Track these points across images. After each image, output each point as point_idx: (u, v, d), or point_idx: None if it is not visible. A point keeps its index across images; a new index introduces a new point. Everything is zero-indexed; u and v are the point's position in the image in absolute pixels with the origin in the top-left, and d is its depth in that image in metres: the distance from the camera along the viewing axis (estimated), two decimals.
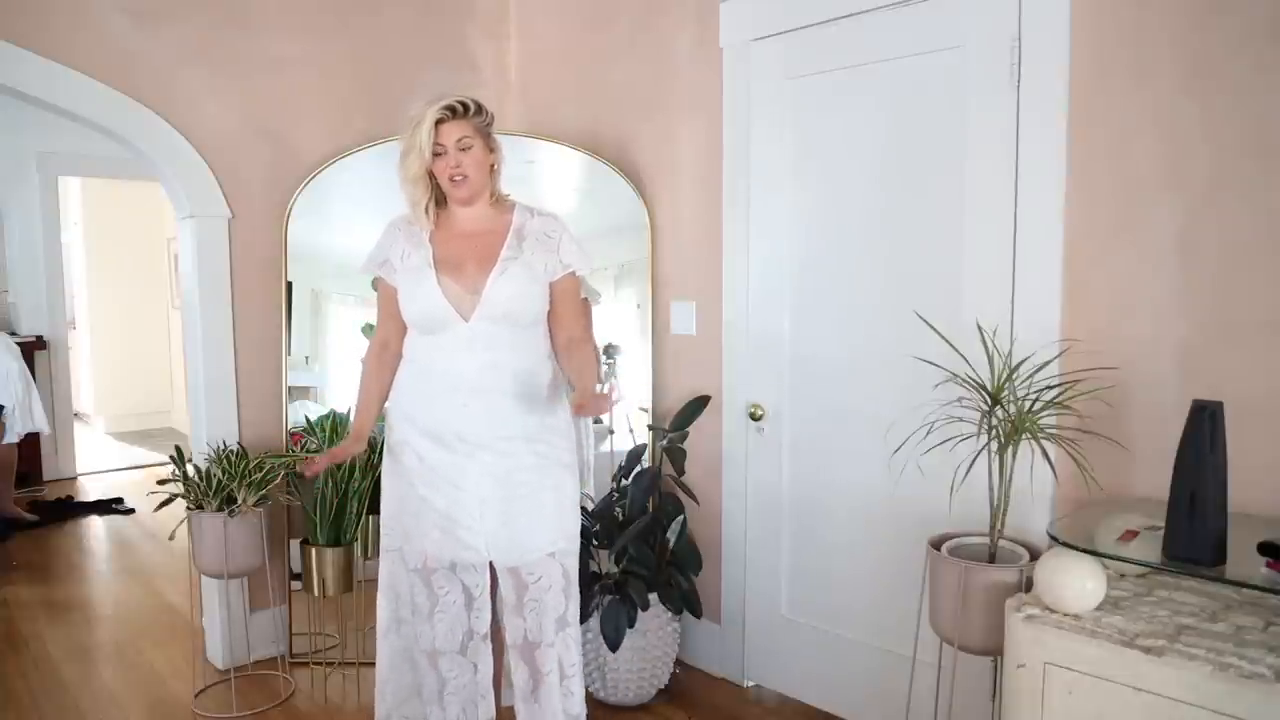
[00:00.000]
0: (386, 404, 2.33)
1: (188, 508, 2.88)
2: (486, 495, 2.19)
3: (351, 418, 2.40)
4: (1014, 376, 2.02)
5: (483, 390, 2.18)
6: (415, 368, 2.25)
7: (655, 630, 2.87)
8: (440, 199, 2.25)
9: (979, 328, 2.10)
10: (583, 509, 2.99)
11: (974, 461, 2.05)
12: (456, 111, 2.17)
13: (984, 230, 2.33)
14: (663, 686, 2.95)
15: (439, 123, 2.15)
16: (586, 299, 2.43)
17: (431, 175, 2.20)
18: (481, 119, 2.21)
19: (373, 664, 3.12)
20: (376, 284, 2.36)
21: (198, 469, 2.92)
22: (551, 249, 2.25)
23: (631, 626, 2.74)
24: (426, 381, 2.22)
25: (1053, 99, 2.17)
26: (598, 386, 2.27)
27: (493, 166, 2.24)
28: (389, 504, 2.29)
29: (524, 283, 2.20)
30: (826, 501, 2.77)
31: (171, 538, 3.09)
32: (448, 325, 2.18)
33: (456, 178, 2.17)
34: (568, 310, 2.31)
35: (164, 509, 2.95)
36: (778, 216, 2.81)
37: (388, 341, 2.32)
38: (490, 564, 2.24)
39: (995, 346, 2.04)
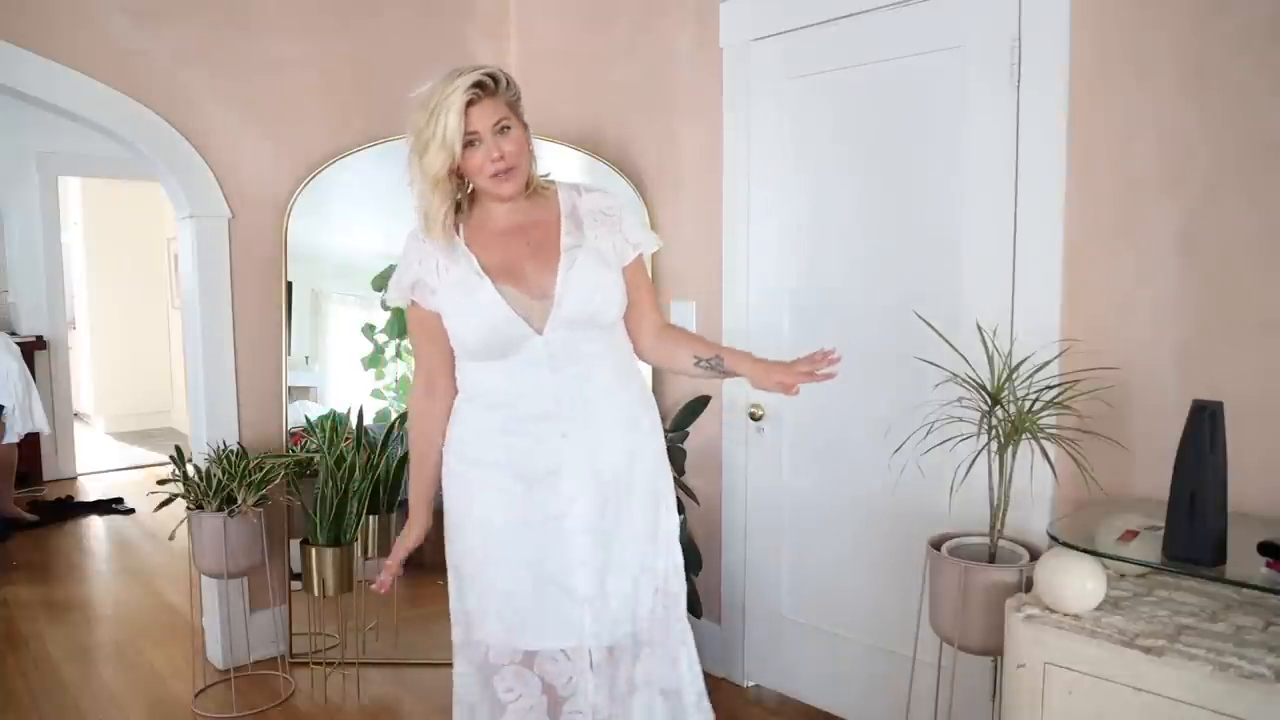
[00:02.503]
0: (444, 453, 1.89)
1: (188, 508, 2.88)
2: (585, 559, 1.78)
3: (409, 491, 1.95)
4: (1014, 376, 2.02)
5: (578, 414, 1.78)
6: (486, 403, 1.82)
7: None
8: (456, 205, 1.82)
9: (979, 328, 2.10)
10: None
11: (974, 461, 2.05)
12: (488, 87, 1.72)
13: (984, 230, 2.33)
14: None
15: (469, 105, 1.71)
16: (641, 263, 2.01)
17: (455, 174, 1.77)
18: (513, 92, 1.79)
19: (372, 664, 3.14)
20: (408, 312, 1.88)
21: (198, 469, 2.92)
22: (614, 227, 1.86)
23: None
24: (506, 417, 1.79)
25: (1053, 99, 2.17)
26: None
27: (530, 148, 1.82)
28: (455, 581, 1.87)
29: (598, 272, 1.80)
30: (826, 501, 2.77)
31: (171, 538, 3.09)
32: (519, 343, 1.75)
33: (500, 171, 1.74)
34: (645, 297, 1.92)
35: (164, 509, 2.95)
36: (778, 216, 2.81)
37: (433, 378, 1.88)
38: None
39: (995, 346, 2.04)
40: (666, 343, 1.94)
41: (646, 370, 3.03)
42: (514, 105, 1.79)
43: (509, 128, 1.75)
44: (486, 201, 1.83)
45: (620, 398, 1.85)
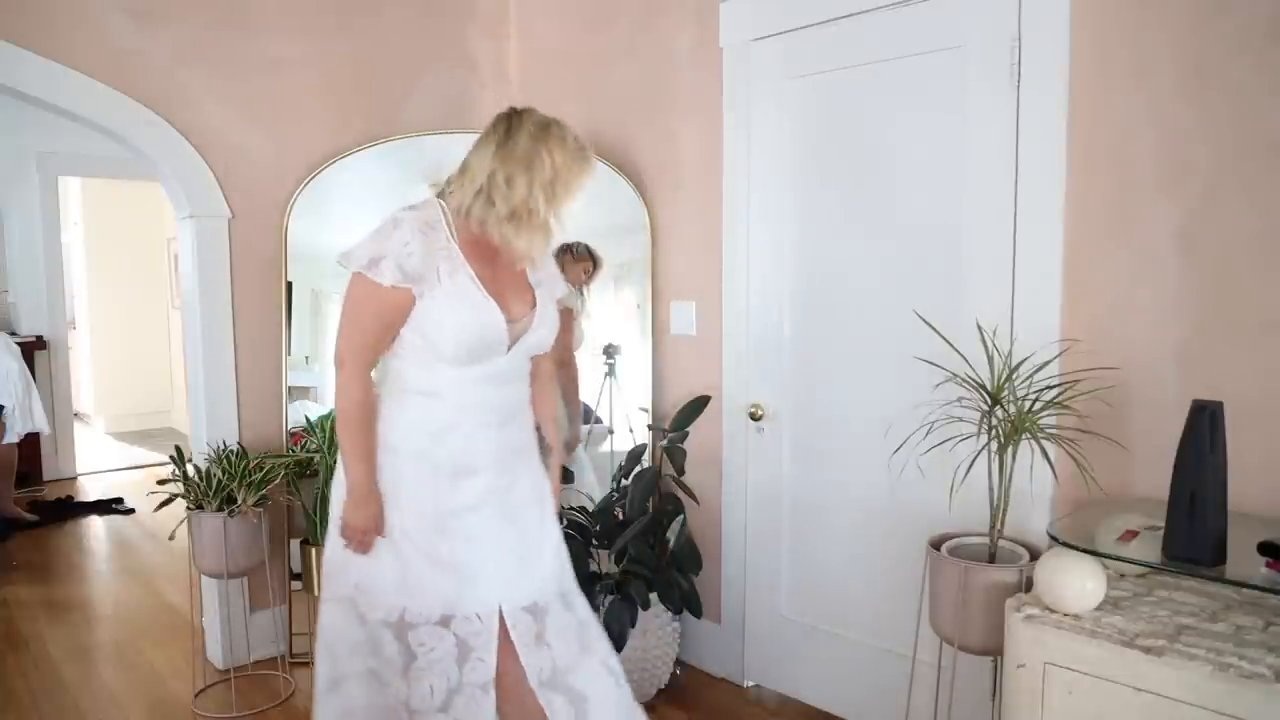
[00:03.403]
0: (383, 441, 1.98)
1: (188, 508, 2.88)
2: (498, 538, 2.01)
3: (352, 474, 1.96)
4: (1014, 376, 2.02)
5: (504, 424, 2.02)
6: (432, 402, 1.95)
7: (655, 630, 2.87)
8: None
9: (979, 328, 2.10)
10: (582, 509, 3.00)
11: (974, 461, 2.05)
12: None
13: (984, 230, 2.33)
14: (663, 686, 2.95)
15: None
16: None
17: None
18: None
19: None
20: (381, 293, 1.87)
21: (198, 469, 2.92)
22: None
23: (632, 626, 2.74)
24: (454, 415, 1.96)
25: (1053, 99, 2.17)
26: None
27: None
28: (336, 546, 2.01)
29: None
30: (826, 501, 2.77)
31: (171, 538, 3.09)
32: (490, 358, 1.94)
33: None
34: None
35: (164, 509, 2.95)
36: (778, 216, 2.81)
37: (369, 367, 1.97)
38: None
39: (995, 346, 2.04)
40: (539, 386, 2.18)
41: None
42: None
43: None
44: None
45: (522, 418, 2.10)
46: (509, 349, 1.96)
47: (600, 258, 3.13)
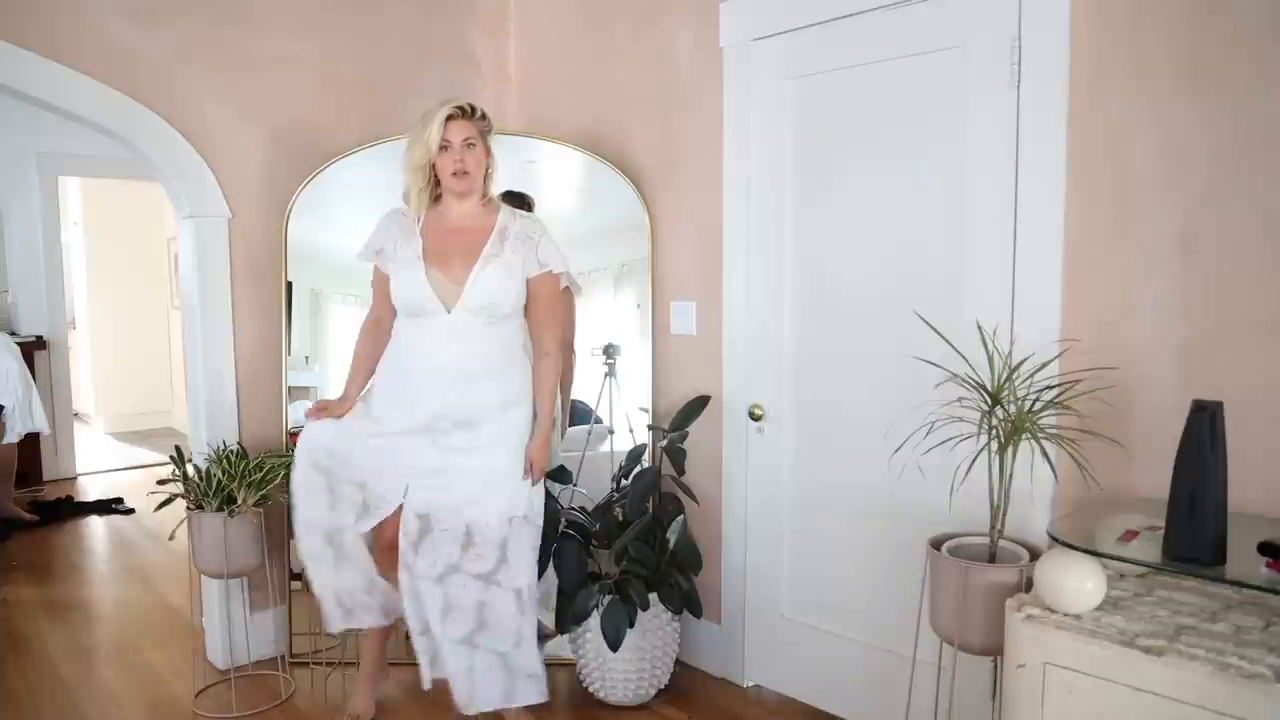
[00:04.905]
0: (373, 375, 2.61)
1: (188, 508, 2.88)
2: (432, 465, 2.49)
3: (348, 381, 2.66)
4: (1014, 376, 2.02)
5: (460, 378, 2.46)
6: (399, 346, 2.54)
7: (655, 630, 2.87)
8: (435, 195, 2.52)
9: (979, 328, 2.10)
10: (583, 509, 3.00)
11: (974, 461, 2.05)
12: (466, 112, 2.44)
13: (984, 230, 2.33)
14: (663, 686, 2.95)
15: (449, 119, 2.42)
16: (568, 288, 2.70)
17: (431, 169, 2.46)
18: (485, 123, 2.49)
19: None
20: (374, 268, 2.62)
21: (198, 469, 2.92)
22: (530, 249, 2.50)
23: (631, 626, 2.74)
24: (409, 360, 2.50)
25: (1053, 99, 2.17)
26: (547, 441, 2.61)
27: (488, 169, 2.52)
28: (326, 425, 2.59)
29: (502, 278, 2.46)
30: (826, 501, 2.77)
31: (171, 538, 3.09)
32: (432, 313, 2.44)
33: (458, 172, 2.43)
34: (543, 309, 2.57)
35: (164, 509, 2.94)
36: (778, 216, 2.81)
37: (380, 319, 2.62)
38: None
39: (995, 346, 2.04)
40: (540, 372, 2.59)
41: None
42: (483, 132, 2.49)
43: (474, 146, 2.46)
44: (448, 201, 2.52)
45: (504, 370, 2.52)
46: (452, 308, 2.43)
47: (531, 201, 3.13)
